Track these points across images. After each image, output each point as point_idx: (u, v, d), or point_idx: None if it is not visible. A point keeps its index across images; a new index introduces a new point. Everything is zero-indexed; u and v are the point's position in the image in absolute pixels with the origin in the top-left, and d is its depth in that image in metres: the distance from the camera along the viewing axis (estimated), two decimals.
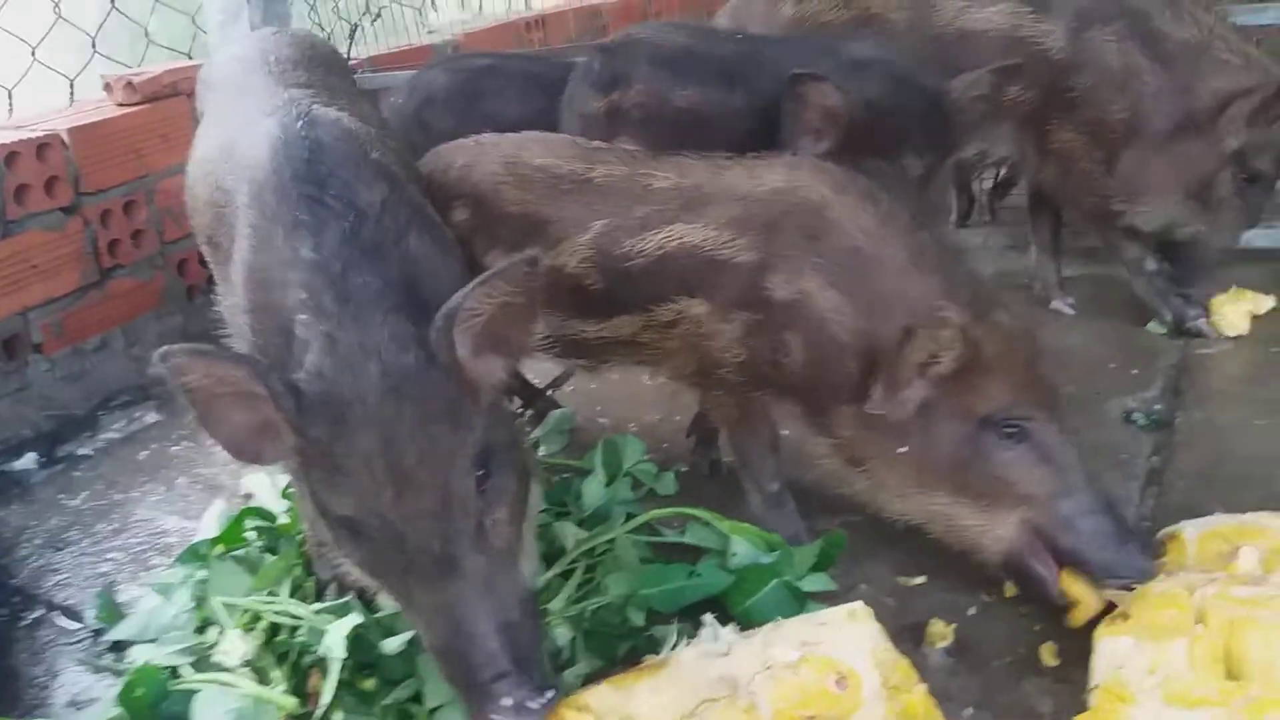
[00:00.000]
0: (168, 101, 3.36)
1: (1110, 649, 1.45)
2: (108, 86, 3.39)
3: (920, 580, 1.84)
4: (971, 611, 1.76)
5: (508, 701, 1.26)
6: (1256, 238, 3.01)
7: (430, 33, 4.88)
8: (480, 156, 2.08)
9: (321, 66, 2.02)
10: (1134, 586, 1.53)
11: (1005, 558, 1.68)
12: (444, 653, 1.33)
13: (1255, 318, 2.73)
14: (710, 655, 1.40)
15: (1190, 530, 1.69)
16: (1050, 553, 1.64)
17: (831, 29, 2.74)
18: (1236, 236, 2.67)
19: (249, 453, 1.36)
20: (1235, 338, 2.65)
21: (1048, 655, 1.63)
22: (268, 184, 1.50)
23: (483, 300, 1.32)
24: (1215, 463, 2.12)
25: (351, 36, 4.30)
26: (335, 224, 1.42)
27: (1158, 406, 2.37)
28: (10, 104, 3.32)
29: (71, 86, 3.46)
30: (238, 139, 1.66)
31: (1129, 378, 2.52)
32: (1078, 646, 1.55)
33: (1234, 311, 2.66)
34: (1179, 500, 2.00)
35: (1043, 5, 2.59)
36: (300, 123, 1.56)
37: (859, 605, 1.50)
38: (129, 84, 3.33)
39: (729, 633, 1.44)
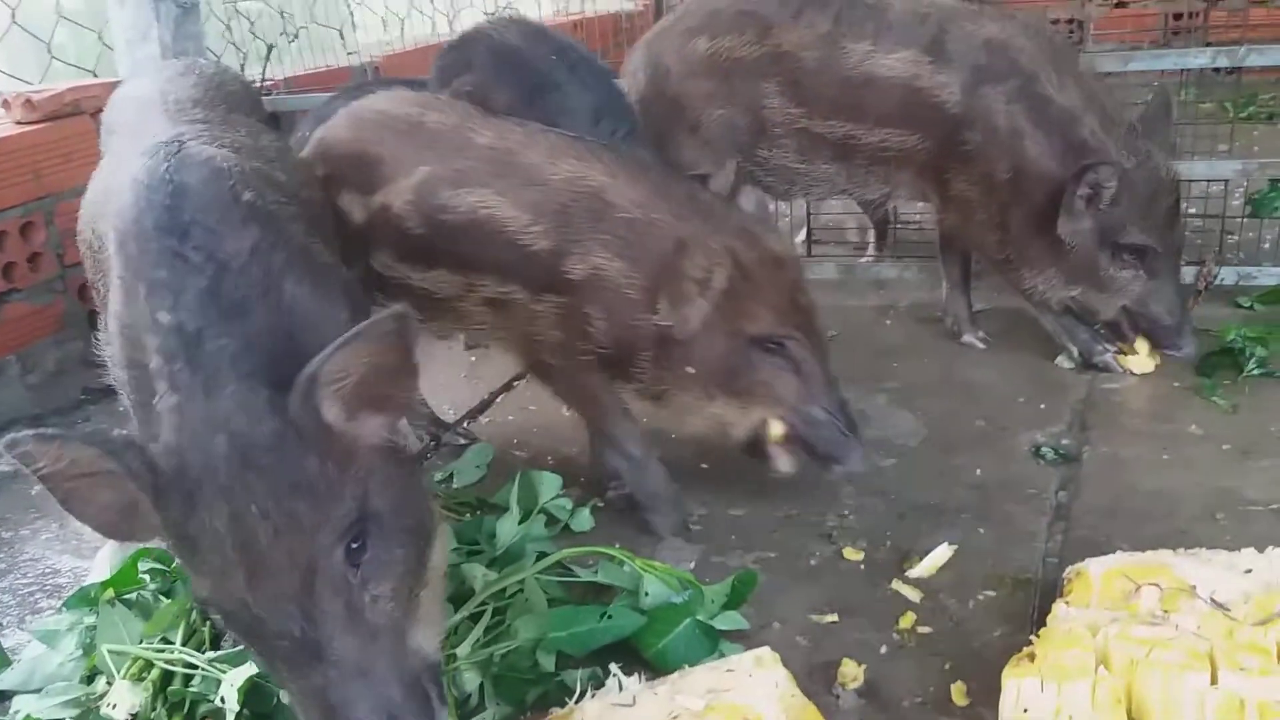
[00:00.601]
0: (70, 120, 3.24)
1: (1017, 690, 1.46)
2: (5, 104, 3.26)
3: (832, 618, 1.84)
4: (883, 650, 1.76)
5: None
6: None
7: (351, 54, 4.81)
8: (335, 116, 2.37)
9: (224, 103, 1.96)
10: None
11: (753, 444, 2.08)
12: None
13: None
14: (616, 707, 1.37)
15: (1095, 568, 1.72)
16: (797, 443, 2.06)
17: (744, 65, 2.77)
18: (1171, 302, 2.62)
19: (120, 532, 1.29)
20: (1140, 374, 2.71)
21: (958, 695, 1.64)
22: (129, 232, 1.43)
23: (347, 362, 1.25)
24: (1120, 497, 2.17)
25: (267, 57, 4.21)
26: (194, 280, 1.35)
27: (1065, 441, 2.42)
28: None
29: None
30: (113, 181, 1.60)
31: (1037, 412, 2.57)
32: (987, 686, 1.57)
33: (1143, 350, 2.71)
34: (1085, 535, 2.04)
35: (942, 57, 2.63)
36: (165, 165, 1.48)
37: (765, 651, 1.50)
38: (28, 101, 3.21)
39: (634, 683, 1.42)
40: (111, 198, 1.55)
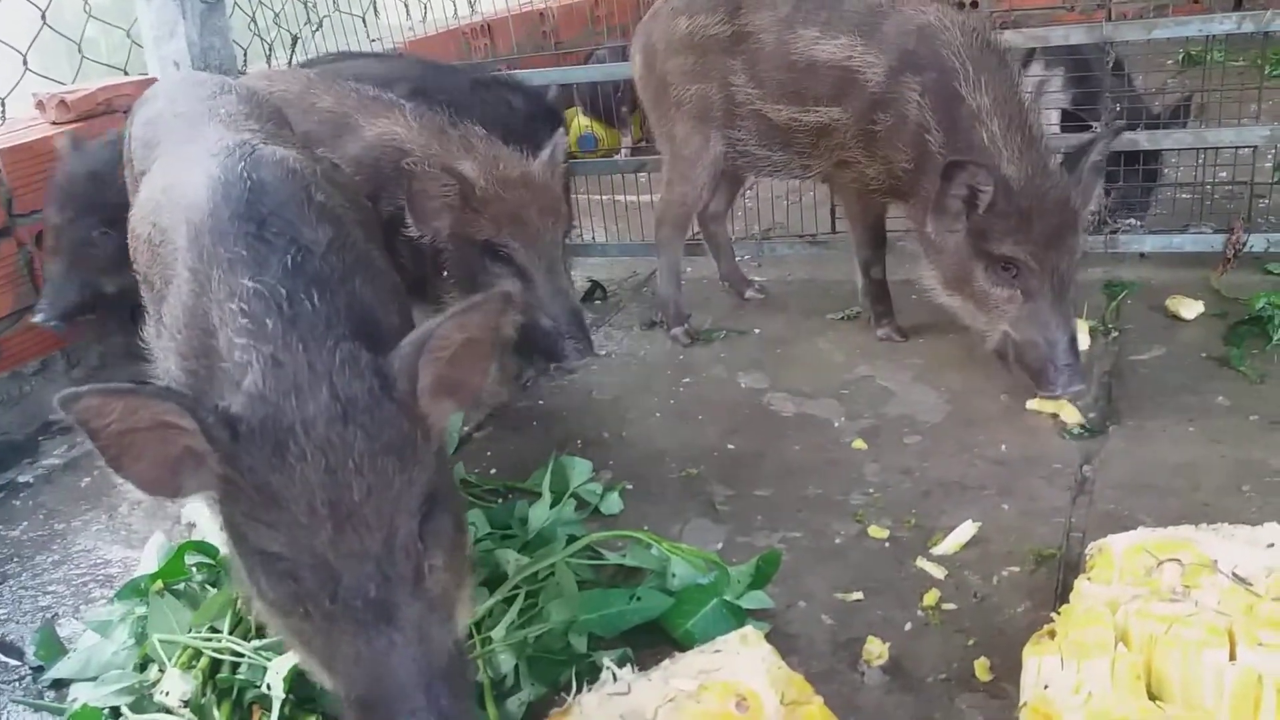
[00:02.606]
0: (103, 119, 3.31)
1: (1037, 667, 1.49)
2: (40, 105, 3.33)
3: (857, 596, 1.88)
4: (907, 627, 1.79)
5: None
6: (1185, 242, 3.11)
7: (374, 40, 4.84)
8: None
9: (270, 119, 2.01)
10: None
11: None
12: (366, 705, 1.24)
13: (1185, 322, 2.81)
14: (612, 696, 1.42)
15: (1117, 544, 1.73)
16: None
17: (716, 43, 2.82)
18: (1048, 331, 2.36)
19: (167, 487, 1.30)
20: (1171, 345, 2.70)
21: (981, 671, 1.67)
22: (204, 225, 1.47)
23: (454, 331, 1.28)
24: (1144, 471, 2.18)
25: (293, 48, 4.26)
26: (278, 257, 1.39)
27: (1090, 414, 2.43)
28: None
29: (2, 105, 3.39)
30: (178, 179, 1.64)
31: None
32: (1010, 662, 1.60)
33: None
34: (1109, 510, 2.06)
35: (873, 40, 2.61)
36: (242, 164, 1.53)
37: (749, 629, 1.56)
38: (62, 102, 3.28)
39: (627, 673, 1.47)
40: (179, 196, 1.59)
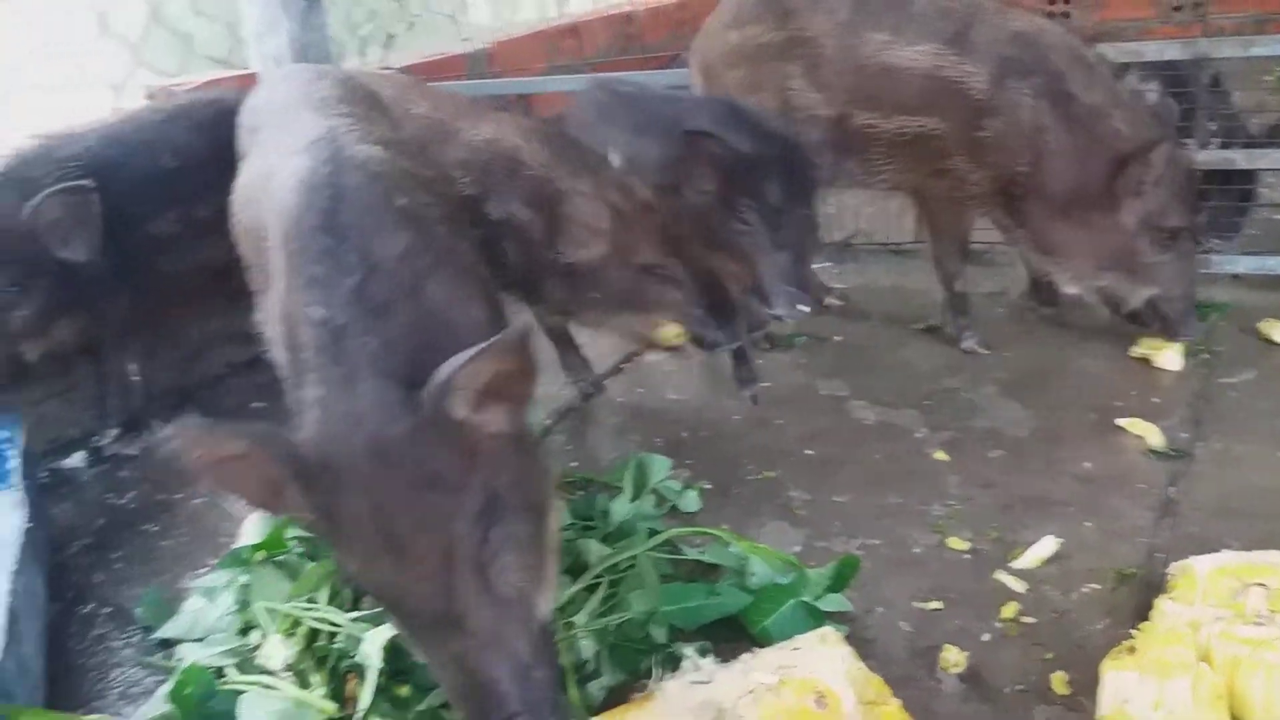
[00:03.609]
0: None
1: (1117, 682, 1.50)
2: (150, 96, 3.48)
3: (936, 605, 1.89)
4: (985, 638, 1.81)
5: None
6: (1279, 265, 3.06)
7: (464, 40, 4.95)
8: None
9: (364, 102, 2.07)
10: None
11: None
12: (459, 697, 1.36)
13: (1277, 346, 2.78)
14: (694, 684, 1.47)
15: (1201, 565, 1.73)
16: None
17: (768, 51, 2.85)
18: (1189, 284, 2.72)
19: (269, 507, 1.39)
20: (1260, 368, 2.68)
21: (1059, 684, 1.68)
22: (292, 231, 1.54)
23: (476, 371, 1.32)
24: (1231, 494, 2.16)
25: (387, 45, 4.38)
26: (345, 279, 1.44)
27: (1183, 435, 2.40)
28: (58, 113, 3.41)
29: (115, 95, 3.56)
30: (274, 171, 1.71)
31: (1150, 405, 2.56)
32: (1088, 677, 1.61)
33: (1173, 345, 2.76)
34: (1194, 531, 2.04)
35: (966, 49, 2.66)
36: (328, 168, 1.59)
37: (829, 630, 1.60)
38: (170, 94, 3.43)
39: (709, 663, 1.51)
40: (273, 191, 1.67)
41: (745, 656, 1.55)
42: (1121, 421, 2.47)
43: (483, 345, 1.31)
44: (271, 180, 1.70)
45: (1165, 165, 2.51)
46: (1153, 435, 2.40)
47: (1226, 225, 3.24)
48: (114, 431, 2.82)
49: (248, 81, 3.55)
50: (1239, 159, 3.00)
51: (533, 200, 2.38)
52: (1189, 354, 2.76)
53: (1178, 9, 4.46)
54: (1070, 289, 2.84)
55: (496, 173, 2.44)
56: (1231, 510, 2.11)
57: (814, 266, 2.65)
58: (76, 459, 2.77)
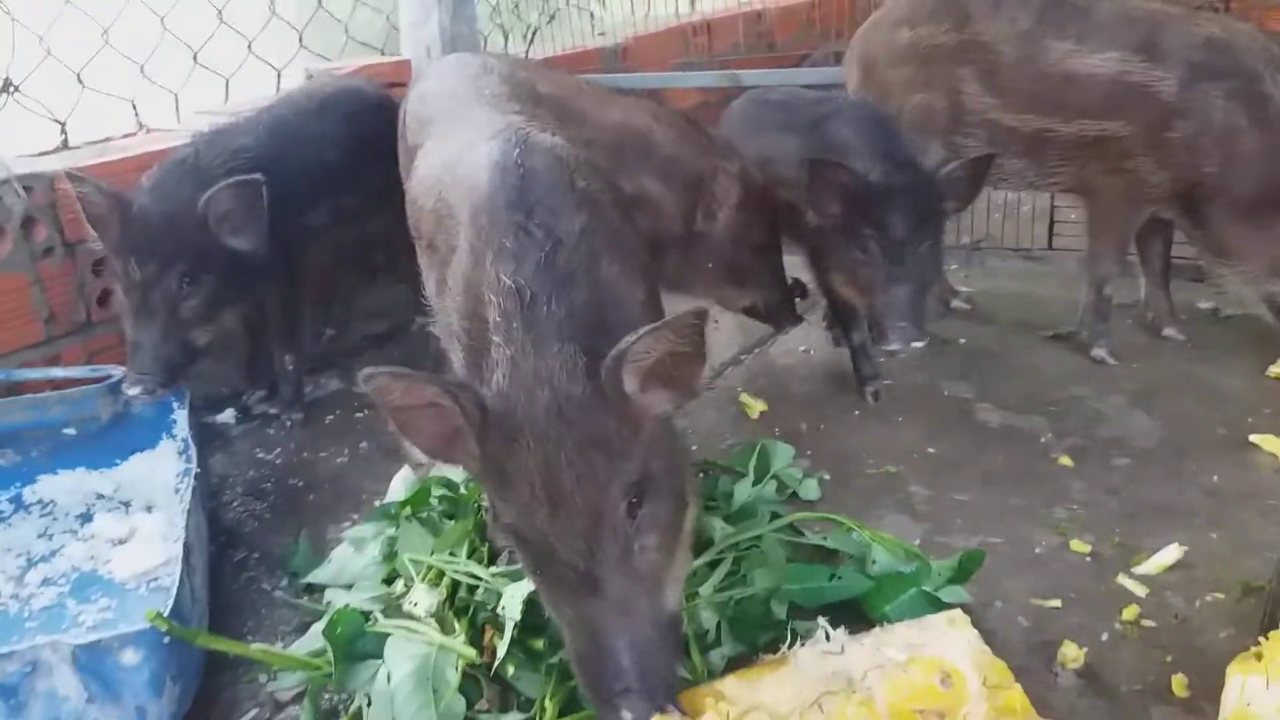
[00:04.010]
0: None
1: (1241, 685, 1.50)
2: (310, 76, 3.69)
3: (1055, 603, 1.91)
4: (1104, 637, 1.82)
5: (627, 717, 1.37)
6: None
7: (600, 35, 5.07)
8: None
9: (529, 99, 2.19)
10: None
11: None
12: (580, 660, 1.44)
13: None
14: (826, 654, 1.53)
15: None
16: None
17: (942, 52, 2.88)
18: None
19: (443, 455, 1.50)
20: None
21: (1178, 687, 1.69)
22: (483, 206, 1.65)
23: (650, 346, 1.40)
24: None
25: (530, 39, 4.52)
26: (535, 252, 1.55)
27: None
28: (226, 92, 3.65)
29: (279, 77, 3.77)
30: (461, 157, 1.84)
31: None
32: (1209, 681, 1.61)
33: None
34: None
35: (1155, 55, 2.66)
36: (517, 150, 1.71)
37: (957, 613, 1.63)
38: (331, 74, 3.63)
39: (841, 634, 1.57)
40: (462, 174, 1.79)
41: (876, 631, 1.60)
42: (1254, 438, 2.43)
43: (658, 324, 1.38)
44: (460, 164, 1.82)
45: None
46: None
47: None
48: (260, 393, 3.02)
49: (402, 68, 3.75)
50: None
51: (665, 176, 2.57)
52: None
53: None
54: (1242, 292, 2.82)
55: (629, 152, 2.57)
56: None
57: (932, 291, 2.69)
58: (227, 415, 2.96)
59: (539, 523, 1.41)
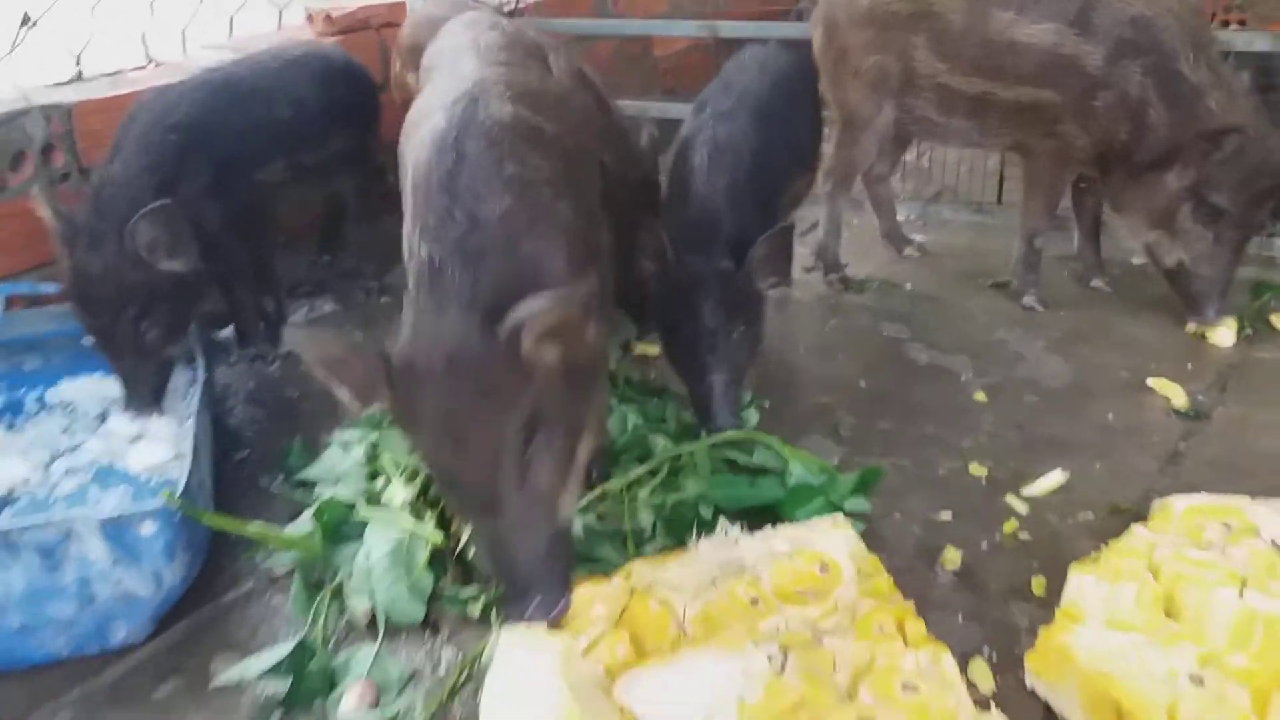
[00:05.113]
0: (359, 34, 3.84)
1: (1078, 583, 1.80)
2: (310, 18, 3.89)
3: (946, 517, 2.21)
4: (984, 546, 2.12)
5: (531, 605, 1.63)
6: None
7: None
8: None
9: (522, 49, 2.35)
10: None
11: None
12: (492, 567, 1.73)
13: None
14: (724, 545, 1.82)
15: (1179, 503, 2.01)
16: None
17: (897, 18, 3.11)
18: (1220, 269, 2.92)
19: (366, 399, 1.70)
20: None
21: (1038, 588, 1.98)
22: (420, 182, 1.86)
23: (543, 313, 1.60)
24: (1234, 453, 2.41)
25: None
26: (452, 232, 1.75)
27: (1200, 398, 2.64)
28: (230, 27, 3.85)
29: (280, 15, 3.97)
30: (423, 120, 2.02)
31: (1183, 370, 2.78)
32: (1062, 583, 1.89)
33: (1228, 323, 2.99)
34: (1193, 481, 2.29)
35: (1086, 29, 2.89)
36: (455, 132, 1.87)
37: (839, 517, 1.93)
38: (328, 16, 3.83)
39: (737, 531, 1.86)
40: (417, 139, 1.98)
41: (768, 529, 1.90)
42: (1151, 381, 2.71)
43: (548, 295, 1.61)
44: (420, 127, 2.02)
45: (1235, 150, 2.72)
46: (1177, 396, 2.64)
47: None
48: (249, 351, 3.15)
49: (397, 9, 3.94)
50: None
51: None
52: (1238, 330, 2.96)
53: None
54: (1130, 240, 3.14)
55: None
56: (1233, 467, 2.35)
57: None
58: (230, 331, 3.23)
59: (444, 459, 1.67)
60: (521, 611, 1.65)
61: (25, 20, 3.15)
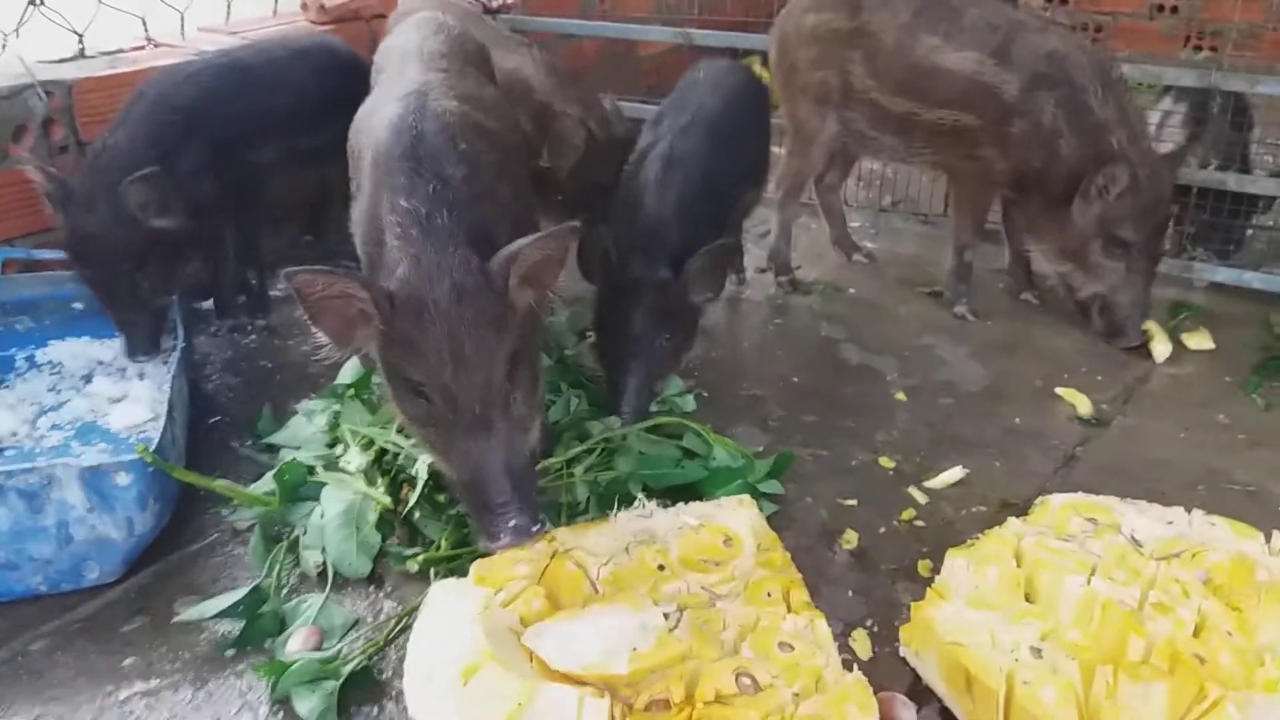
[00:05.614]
0: (350, 24, 4.03)
1: (952, 565, 2.03)
2: (304, 5, 4.07)
3: (852, 502, 2.43)
4: (881, 530, 2.34)
5: (512, 523, 1.86)
6: (1254, 279, 3.43)
7: None
8: None
9: (462, 58, 2.59)
10: None
11: None
12: (469, 486, 1.90)
13: (1225, 347, 3.18)
14: (639, 517, 2.04)
15: (1056, 500, 2.22)
16: None
17: (838, 36, 3.33)
18: (1138, 294, 3.13)
19: (344, 339, 1.93)
20: (1202, 365, 3.12)
21: (923, 569, 2.21)
22: (381, 156, 2.08)
23: (534, 250, 1.89)
24: (1125, 459, 2.63)
25: None
26: (425, 186, 1.98)
27: (1103, 408, 2.86)
28: (228, 11, 4.03)
29: (276, 1, 4.16)
30: (376, 111, 2.26)
31: (1092, 382, 3.01)
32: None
33: (1159, 336, 3.20)
34: (1081, 482, 2.52)
35: (1005, 60, 3.10)
36: (411, 116, 2.11)
37: (746, 497, 2.14)
38: (322, 6, 4.02)
39: (652, 504, 2.08)
40: (371, 127, 2.21)
41: (680, 505, 2.11)
42: (1059, 389, 2.93)
43: (539, 234, 1.88)
44: (373, 118, 2.26)
45: (1127, 182, 2.92)
46: (1082, 404, 2.86)
47: (1224, 239, 3.61)
48: (229, 322, 3.32)
49: (388, 3, 4.11)
50: (1230, 182, 3.36)
51: (535, 117, 3.04)
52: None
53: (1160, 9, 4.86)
54: (1043, 266, 3.38)
55: (512, 95, 2.96)
56: (1121, 471, 2.58)
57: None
58: (210, 303, 3.42)
59: (445, 378, 1.87)
60: (498, 534, 1.87)
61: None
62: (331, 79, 3.32)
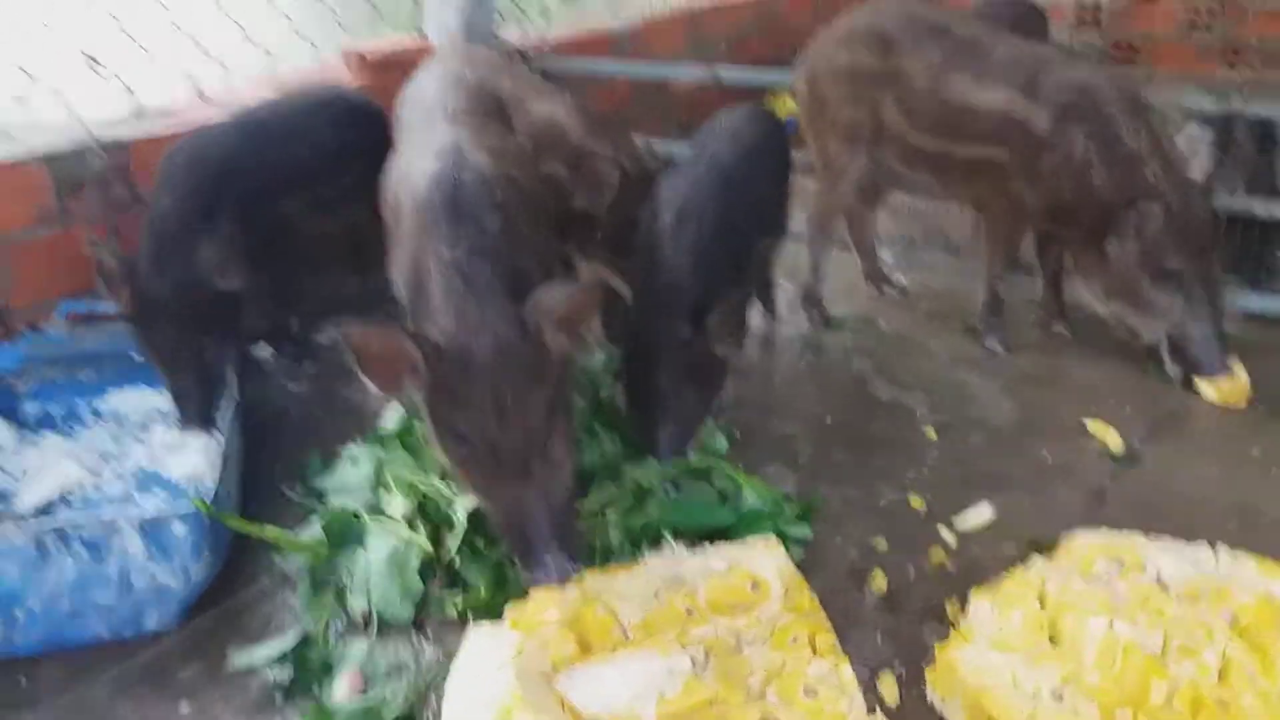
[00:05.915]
0: (390, 74, 4.15)
1: (976, 607, 2.07)
2: (345, 57, 4.22)
3: (881, 543, 2.47)
4: (910, 572, 2.38)
5: (550, 563, 1.98)
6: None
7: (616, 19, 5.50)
8: None
9: (484, 113, 2.71)
10: None
11: None
12: (510, 530, 2.05)
13: (1265, 378, 3.16)
14: (668, 561, 2.11)
15: (1082, 539, 2.26)
16: None
17: (870, 75, 3.37)
18: (1206, 328, 3.04)
19: (391, 387, 2.05)
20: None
21: (952, 612, 2.24)
22: (424, 205, 2.23)
23: (563, 300, 2.01)
24: (1155, 495, 2.65)
25: (544, 16, 4.99)
26: (466, 238, 2.13)
27: (1135, 443, 2.88)
28: (271, 66, 4.19)
29: (315, 53, 4.31)
30: (414, 164, 2.40)
31: (1123, 415, 3.02)
32: None
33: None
34: (1112, 519, 2.50)
35: (1034, 94, 3.13)
36: (453, 170, 2.26)
37: (772, 539, 2.19)
38: (362, 57, 4.16)
39: (681, 548, 2.14)
40: (410, 180, 2.35)
41: (708, 547, 2.18)
42: (1088, 423, 2.95)
43: (569, 285, 2.03)
44: (411, 173, 2.39)
45: (1159, 215, 2.93)
46: (1111, 439, 2.88)
47: (1254, 267, 3.61)
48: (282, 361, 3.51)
49: (425, 48, 4.26)
50: (1257, 207, 3.37)
51: (570, 162, 3.09)
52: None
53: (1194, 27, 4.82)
54: (1094, 305, 3.32)
55: (545, 141, 3.05)
56: (1152, 508, 2.59)
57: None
58: (263, 349, 3.55)
59: (488, 429, 2.00)
60: (539, 569, 1.99)
61: (90, 61, 3.50)
62: (348, 130, 3.46)
